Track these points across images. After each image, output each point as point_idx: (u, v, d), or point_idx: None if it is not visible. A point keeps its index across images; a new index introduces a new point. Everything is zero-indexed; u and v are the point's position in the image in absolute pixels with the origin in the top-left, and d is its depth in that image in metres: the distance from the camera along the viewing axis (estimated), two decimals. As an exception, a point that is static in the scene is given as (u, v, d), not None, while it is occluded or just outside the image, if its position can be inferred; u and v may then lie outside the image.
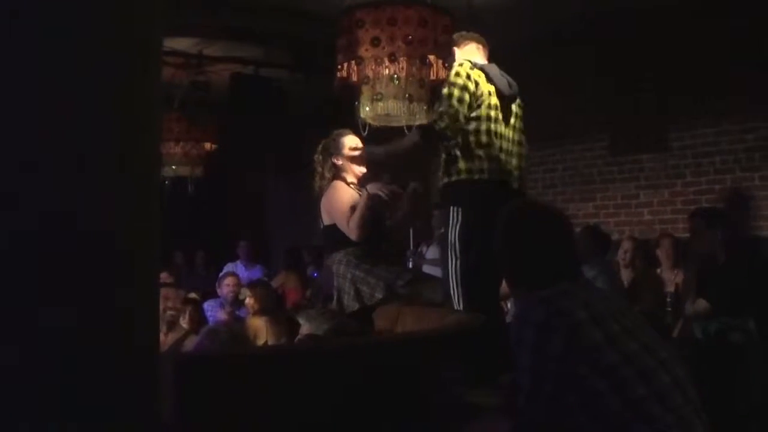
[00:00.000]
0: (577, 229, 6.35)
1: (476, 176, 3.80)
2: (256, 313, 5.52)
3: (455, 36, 4.11)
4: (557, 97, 7.48)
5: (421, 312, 3.70)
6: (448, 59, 4.13)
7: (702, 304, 4.82)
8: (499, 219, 2.47)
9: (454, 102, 3.83)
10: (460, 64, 3.92)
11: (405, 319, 3.74)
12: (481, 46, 4.17)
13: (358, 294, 3.94)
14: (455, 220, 3.78)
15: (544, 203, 3.31)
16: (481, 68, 3.98)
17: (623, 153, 7.45)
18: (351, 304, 3.95)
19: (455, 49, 4.08)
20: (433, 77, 4.71)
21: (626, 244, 6.14)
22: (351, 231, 3.93)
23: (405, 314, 3.77)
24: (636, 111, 7.25)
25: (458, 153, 3.86)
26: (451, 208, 3.82)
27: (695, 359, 4.53)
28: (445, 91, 3.85)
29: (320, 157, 4.23)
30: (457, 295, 3.75)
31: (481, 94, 3.89)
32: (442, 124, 3.81)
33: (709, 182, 6.87)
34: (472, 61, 4.03)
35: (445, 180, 3.90)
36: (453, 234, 3.78)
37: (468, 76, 3.88)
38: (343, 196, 4.05)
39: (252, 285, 5.98)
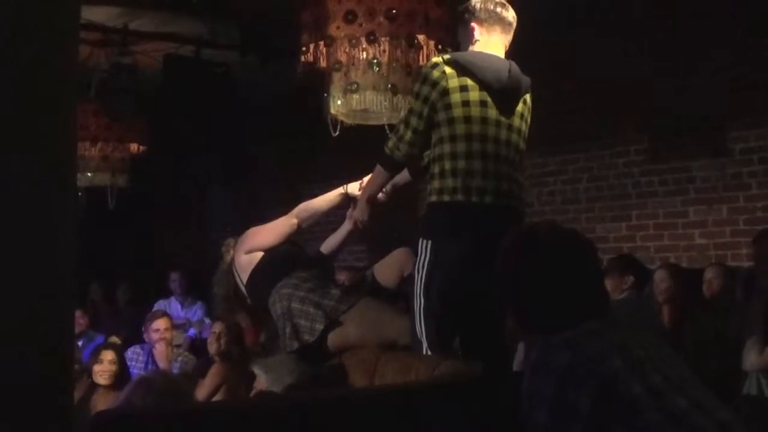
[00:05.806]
0: (606, 257, 6.38)
1: (446, 197, 3.82)
2: (222, 358, 5.76)
3: (478, 2, 4.00)
4: (580, 89, 7.53)
5: (406, 360, 3.74)
6: (447, 38, 4.08)
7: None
8: (501, 249, 2.48)
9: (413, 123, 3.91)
10: (434, 66, 3.88)
11: (385, 368, 3.78)
12: (504, 30, 4.03)
13: (295, 330, 4.19)
14: (423, 256, 3.86)
15: (557, 225, 3.31)
16: (455, 60, 3.88)
17: (667, 159, 7.50)
18: (290, 344, 4.21)
19: (474, 26, 3.98)
20: (422, 63, 4.73)
21: (661, 274, 6.09)
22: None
23: (385, 363, 3.81)
24: (683, 104, 7.29)
25: (434, 168, 3.89)
26: (420, 240, 3.88)
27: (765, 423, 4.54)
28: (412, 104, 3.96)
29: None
30: (423, 337, 3.85)
31: (446, 92, 3.83)
32: (399, 153, 3.95)
33: (780, 196, 6.93)
34: (454, 55, 3.96)
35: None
36: (420, 271, 3.87)
37: (434, 84, 3.84)
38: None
39: (220, 322, 6.15)
